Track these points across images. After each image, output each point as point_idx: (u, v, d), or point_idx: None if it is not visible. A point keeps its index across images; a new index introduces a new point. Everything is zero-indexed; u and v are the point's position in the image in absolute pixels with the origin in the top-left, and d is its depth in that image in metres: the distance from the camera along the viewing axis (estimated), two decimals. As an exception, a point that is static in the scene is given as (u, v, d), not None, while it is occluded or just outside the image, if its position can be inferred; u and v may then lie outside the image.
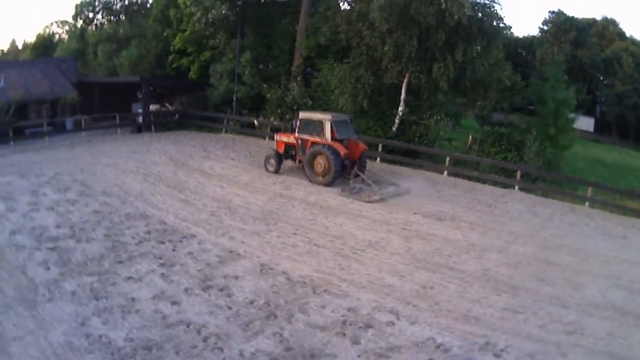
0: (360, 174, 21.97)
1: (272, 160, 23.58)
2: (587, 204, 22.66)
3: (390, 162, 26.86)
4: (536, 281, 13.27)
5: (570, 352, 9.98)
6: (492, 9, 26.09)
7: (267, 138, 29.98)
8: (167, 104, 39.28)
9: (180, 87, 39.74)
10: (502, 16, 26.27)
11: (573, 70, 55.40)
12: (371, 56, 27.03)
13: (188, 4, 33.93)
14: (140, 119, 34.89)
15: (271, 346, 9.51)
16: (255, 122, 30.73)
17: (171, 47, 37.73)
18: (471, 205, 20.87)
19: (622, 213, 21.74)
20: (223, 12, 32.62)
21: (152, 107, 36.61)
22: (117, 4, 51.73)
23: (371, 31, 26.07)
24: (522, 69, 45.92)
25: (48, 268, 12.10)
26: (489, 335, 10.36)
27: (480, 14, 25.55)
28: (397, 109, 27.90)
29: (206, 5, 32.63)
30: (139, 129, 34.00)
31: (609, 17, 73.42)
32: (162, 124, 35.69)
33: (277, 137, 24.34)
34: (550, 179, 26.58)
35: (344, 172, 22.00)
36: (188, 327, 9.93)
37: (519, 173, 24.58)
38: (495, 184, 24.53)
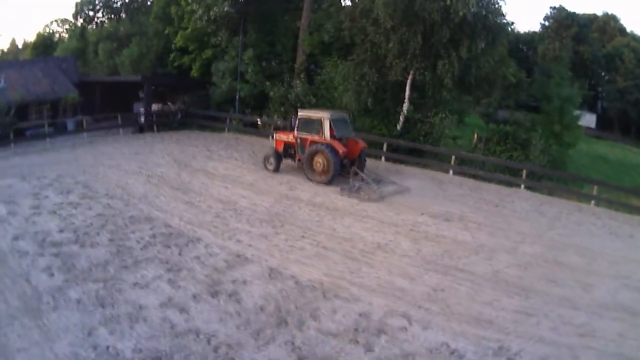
0: (359, 172, 21.84)
1: (272, 159, 23.45)
2: (593, 202, 22.58)
3: (395, 161, 26.70)
4: (546, 282, 13.15)
5: (582, 354, 9.92)
6: (497, 5, 25.85)
7: (270, 137, 29.40)
8: (169, 103, 38.99)
9: (181, 85, 39.52)
10: (504, 12, 25.94)
11: (575, 66, 55.33)
12: (375, 53, 26.83)
13: (190, 1, 33.69)
14: (143, 119, 34.67)
15: (284, 355, 9.27)
16: (259, 121, 30.46)
17: (172, 45, 37.62)
18: (478, 205, 20.69)
19: (628, 211, 21.70)
20: (225, 9, 32.36)
21: (154, 107, 36.30)
22: (117, 2, 51.60)
23: (375, 28, 25.87)
24: (523, 65, 45.74)
25: (52, 275, 11.80)
26: (502, 339, 10.20)
27: (484, 11, 25.22)
28: (402, 107, 27.69)
29: (208, 3, 32.42)
30: (141, 129, 33.78)
31: (609, 12, 73.41)
32: (164, 123, 35.44)
33: (276, 135, 24.22)
34: (556, 177, 26.45)
35: (343, 170, 21.90)
36: (198, 336, 9.66)
37: (524, 172, 24.39)
38: (500, 182, 24.42)
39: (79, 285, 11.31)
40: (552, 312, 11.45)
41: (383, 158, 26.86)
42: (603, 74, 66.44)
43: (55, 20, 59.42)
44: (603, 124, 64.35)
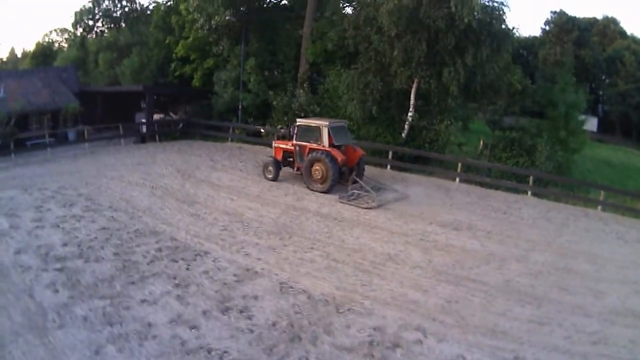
0: (358, 180, 21.85)
1: (271, 168, 23.40)
2: (599, 207, 22.50)
3: (400, 169, 26.47)
4: (558, 291, 13.14)
5: (596, 362, 9.92)
6: (501, 12, 25.66)
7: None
8: (170, 113, 38.75)
9: (183, 95, 39.26)
10: (505, 19, 25.78)
11: (576, 70, 55.03)
12: (380, 61, 26.64)
13: (191, 10, 33.43)
14: (144, 129, 34.41)
15: (298, 372, 9.00)
16: (262, 131, 30.22)
17: (173, 55, 37.30)
18: (486, 212, 20.56)
19: (635, 216, 21.67)
20: (227, 18, 32.06)
21: (156, 117, 36.07)
22: (117, 12, 51.43)
23: (379, 36, 25.70)
24: (524, 70, 45.54)
25: (57, 291, 11.51)
26: (517, 349, 10.18)
27: (489, 17, 25.02)
28: (407, 115, 27.45)
29: (209, 12, 32.14)
30: (143, 139, 33.47)
31: (609, 16, 73.46)
32: (166, 133, 35.17)
33: (275, 144, 24.19)
34: (562, 183, 26.33)
35: (342, 178, 21.91)
36: (209, 353, 9.41)
37: (531, 178, 24.23)
38: (507, 189, 24.25)
39: (84, 302, 11.03)
40: (565, 321, 11.45)
41: (389, 166, 26.66)
42: (604, 77, 66.39)
43: (55, 30, 59.42)
44: (604, 127, 64.24)
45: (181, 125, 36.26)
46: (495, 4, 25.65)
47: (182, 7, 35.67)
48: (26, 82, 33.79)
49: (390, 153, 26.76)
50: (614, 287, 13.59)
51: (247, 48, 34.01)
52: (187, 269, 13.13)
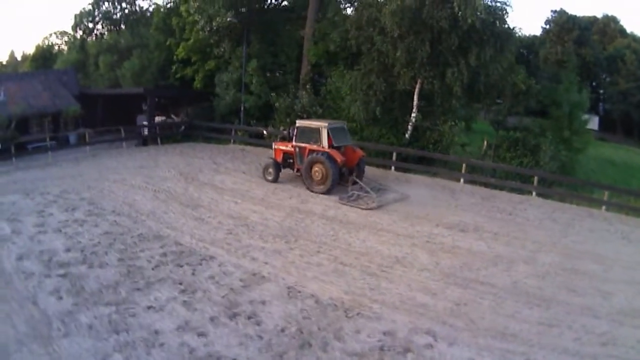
0: (358, 181, 21.84)
1: (271, 169, 23.42)
2: (603, 207, 22.46)
3: (405, 170, 26.32)
4: (566, 292, 13.09)
5: (606, 363, 9.95)
6: (504, 12, 25.54)
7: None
8: (172, 115, 38.58)
9: (184, 97, 39.05)
10: (507, 19, 25.70)
11: (577, 69, 55.20)
12: (383, 62, 26.46)
13: (191, 12, 33.26)
14: (146, 132, 34.25)
15: (310, 379, 8.86)
16: (264, 132, 30.06)
17: (174, 57, 37.02)
18: (491, 213, 20.42)
19: (639, 215, 21.58)
20: (228, 19, 31.85)
21: (157, 119, 35.91)
22: (117, 14, 51.23)
23: (382, 37, 25.48)
24: (526, 69, 45.52)
25: (60, 298, 11.34)
26: (528, 352, 10.13)
27: (492, 18, 24.90)
28: (410, 116, 27.30)
29: (210, 13, 31.96)
30: (145, 142, 33.35)
31: (609, 14, 73.46)
32: (167, 136, 35.04)
33: (275, 145, 24.14)
34: (566, 183, 26.30)
35: (342, 179, 21.88)
36: (218, 360, 9.22)
37: (536, 179, 24.13)
38: (512, 190, 24.16)
39: (89, 309, 10.85)
40: (574, 322, 11.42)
41: (393, 167, 26.52)
42: (604, 76, 66.35)
43: (54, 32, 59.22)
44: (605, 125, 64.18)
45: (183, 127, 36.13)
46: (498, 4, 25.55)
47: (182, 8, 35.50)
48: (26, 85, 33.65)
49: (395, 154, 26.62)
50: (621, 287, 13.53)
51: (248, 49, 33.79)
52: (193, 274, 12.96)
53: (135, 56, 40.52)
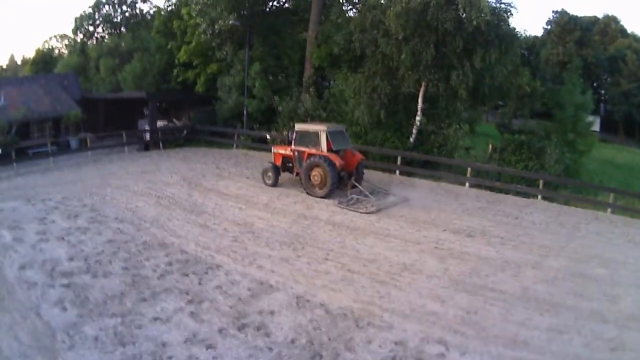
0: (357, 184, 21.81)
1: (270, 173, 23.41)
2: (609, 210, 22.37)
3: (409, 174, 26.20)
4: (574, 297, 13.01)
5: (615, 369, 9.97)
6: (509, 13, 25.41)
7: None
8: (174, 120, 38.37)
9: (186, 101, 38.86)
10: (510, 22, 25.58)
11: (580, 71, 55.28)
12: (387, 65, 26.26)
13: (193, 15, 33.09)
14: (148, 136, 34.02)
15: (322, 392, 8.66)
16: (268, 137, 29.89)
17: (176, 60, 36.86)
18: (498, 218, 20.25)
19: (643, 218, 21.56)
20: (230, 22, 31.66)
21: (159, 123, 35.70)
22: (117, 17, 51.17)
23: (387, 39, 25.29)
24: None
25: (64, 309, 11.09)
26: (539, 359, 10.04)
27: (497, 19, 24.72)
28: (414, 119, 27.11)
29: (212, 16, 31.81)
30: (147, 147, 33.15)
31: (610, 14, 73.62)
32: (169, 140, 34.87)
33: (274, 149, 24.09)
34: (571, 185, 26.32)
35: (341, 183, 21.78)
36: (228, 374, 9.00)
37: (541, 182, 23.99)
38: (517, 193, 24.07)
39: (94, 321, 10.62)
40: (583, 328, 11.36)
41: (397, 172, 26.41)
42: (606, 77, 66.41)
43: (55, 36, 59.24)
44: (606, 126, 64.23)
45: (185, 131, 35.94)
46: (503, 5, 25.40)
47: (184, 11, 35.38)
48: (27, 90, 33.41)
49: (399, 158, 26.47)
50: (629, 291, 13.50)
51: (251, 53, 33.60)
52: (199, 283, 12.71)
53: (136, 59, 40.39)
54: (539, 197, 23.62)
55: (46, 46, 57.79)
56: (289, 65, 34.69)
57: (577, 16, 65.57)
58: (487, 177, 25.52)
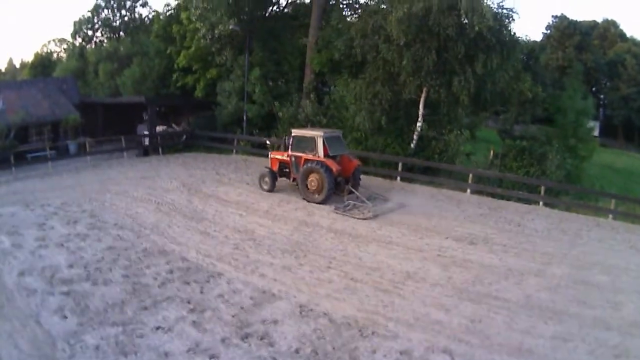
0: (353, 190, 21.87)
1: (267, 179, 23.42)
2: (610, 216, 22.41)
3: (410, 180, 26.13)
4: (578, 304, 12.98)
5: (620, 376, 10.01)
6: (511, 18, 25.39)
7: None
8: (173, 125, 38.22)
9: (186, 106, 38.70)
10: (511, 28, 25.58)
11: (581, 76, 55.36)
12: (388, 70, 26.21)
13: (193, 19, 32.94)
14: (147, 141, 33.90)
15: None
16: (268, 142, 29.83)
17: (175, 65, 36.72)
18: (500, 225, 20.21)
19: (644, 223, 21.54)
20: (230, 27, 31.54)
21: (159, 128, 35.54)
22: (116, 21, 51.10)
23: (388, 44, 25.23)
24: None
25: (65, 317, 10.93)
26: None
27: (498, 25, 24.66)
28: (416, 125, 27.03)
29: (212, 21, 31.67)
30: (146, 152, 33.04)
31: (609, 18, 73.81)
32: (169, 145, 34.76)
33: (271, 155, 24.10)
34: (573, 191, 26.28)
35: (337, 189, 21.83)
36: (232, 385, 8.87)
37: (542, 188, 23.98)
38: (519, 200, 24.02)
39: (95, 330, 10.46)
40: (587, 335, 11.34)
41: (398, 178, 26.35)
42: (605, 81, 66.54)
43: (53, 40, 59.12)
44: (606, 131, 64.29)
45: (184, 137, 35.82)
46: (505, 11, 25.33)
47: (183, 16, 35.22)
48: (25, 93, 33.29)
49: (400, 164, 26.42)
50: (631, 298, 13.50)
51: (250, 58, 33.47)
52: (201, 292, 12.57)
53: (136, 64, 40.22)
54: (541, 203, 23.56)
55: (45, 50, 57.77)
56: (289, 71, 34.51)
57: (576, 21, 65.79)
58: (489, 184, 25.43)
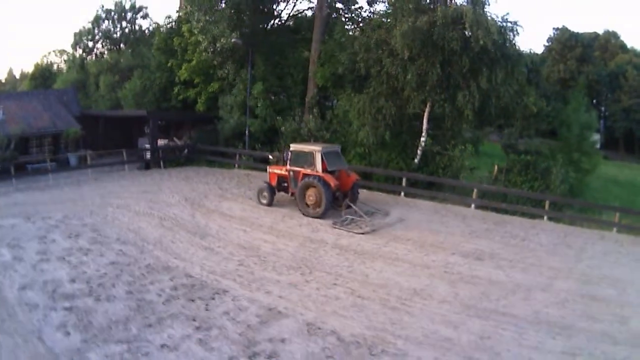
0: (351, 205, 21.89)
1: (265, 193, 23.42)
2: (614, 229, 22.36)
3: (414, 195, 25.96)
4: (585, 319, 12.94)
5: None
6: (515, 32, 25.34)
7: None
8: (174, 138, 38.01)
9: (187, 120, 38.46)
10: (515, 42, 25.55)
11: (584, 90, 55.48)
12: (392, 85, 26.13)
13: (195, 32, 32.81)
14: (148, 155, 33.69)
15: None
16: (270, 157, 29.69)
17: (176, 78, 36.50)
18: (505, 240, 20.08)
19: (649, 236, 21.54)
20: (232, 40, 31.42)
21: (160, 142, 35.35)
22: (117, 33, 51.09)
23: (392, 59, 25.16)
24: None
25: (68, 333, 10.74)
26: None
27: (503, 39, 24.63)
28: (419, 140, 26.93)
29: (214, 34, 31.53)
30: (147, 166, 32.85)
31: (610, 30, 74.01)
32: (170, 159, 34.60)
33: (269, 169, 24.15)
34: (577, 205, 26.26)
35: (336, 203, 21.95)
36: (242, 408, 8.64)
37: (547, 203, 23.86)
38: (523, 214, 23.90)
39: (99, 347, 10.28)
40: (595, 350, 11.31)
41: (402, 193, 26.17)
42: (606, 93, 66.62)
43: (53, 51, 59.18)
44: (607, 143, 64.30)
45: (186, 151, 35.65)
46: (509, 24, 25.25)
47: (184, 28, 35.06)
48: (26, 105, 33.22)
49: (404, 179, 26.27)
50: (638, 311, 13.49)
51: (253, 71, 33.35)
52: (207, 309, 12.37)
53: (136, 77, 40.05)
54: (545, 217, 23.49)
55: (45, 61, 57.76)
56: (291, 85, 34.32)
57: (578, 33, 65.92)
58: (493, 199, 25.26)
